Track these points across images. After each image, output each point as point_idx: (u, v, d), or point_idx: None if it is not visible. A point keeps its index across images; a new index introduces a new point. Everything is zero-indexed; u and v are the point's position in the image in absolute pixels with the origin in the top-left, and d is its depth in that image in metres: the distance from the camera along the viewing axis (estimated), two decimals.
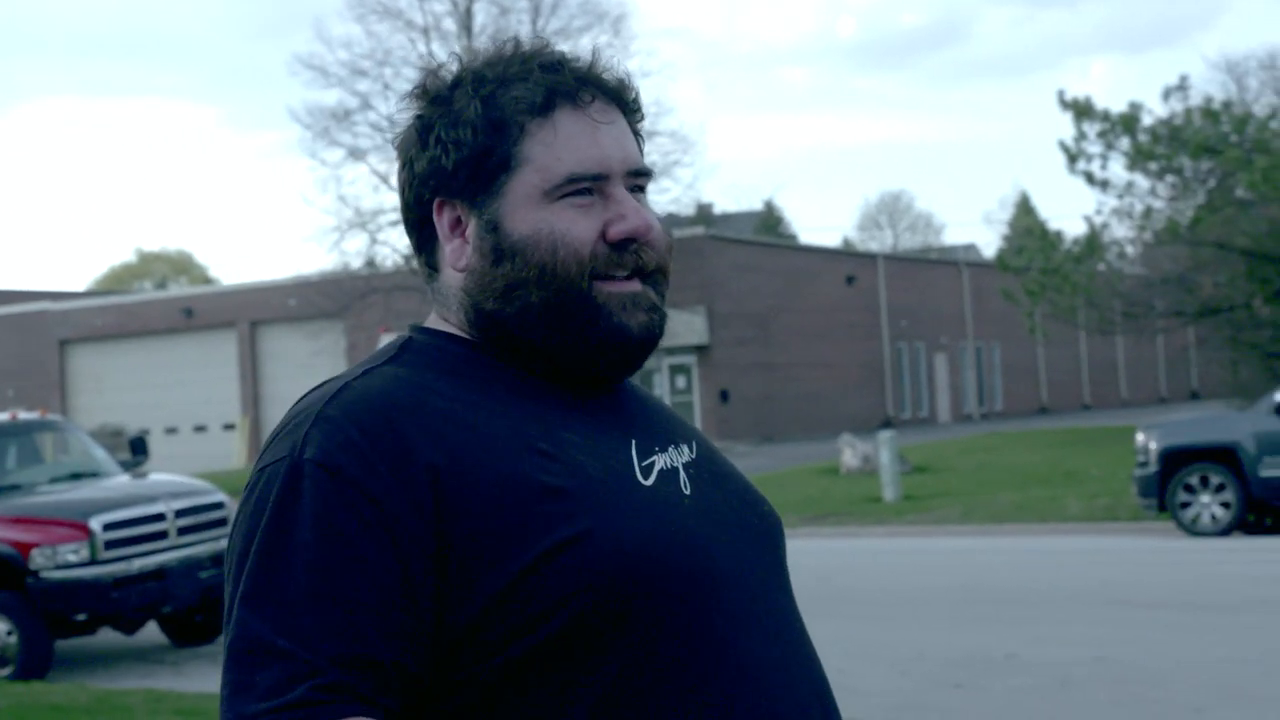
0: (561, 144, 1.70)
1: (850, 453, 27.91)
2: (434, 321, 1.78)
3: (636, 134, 1.80)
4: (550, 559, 1.55)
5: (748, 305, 41.28)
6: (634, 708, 1.57)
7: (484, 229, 1.70)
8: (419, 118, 1.74)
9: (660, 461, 1.72)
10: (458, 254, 1.73)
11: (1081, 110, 30.84)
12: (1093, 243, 31.86)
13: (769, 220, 72.86)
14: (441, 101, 1.72)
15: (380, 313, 35.47)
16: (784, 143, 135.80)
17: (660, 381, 40.58)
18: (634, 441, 1.72)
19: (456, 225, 1.73)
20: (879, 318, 48.29)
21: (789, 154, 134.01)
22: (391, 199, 35.49)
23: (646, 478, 1.69)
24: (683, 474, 1.74)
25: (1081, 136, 30.94)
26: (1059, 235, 32.97)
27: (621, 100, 1.77)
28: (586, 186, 1.70)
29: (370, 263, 36.04)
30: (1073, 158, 31.12)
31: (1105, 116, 30.65)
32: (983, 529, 18.73)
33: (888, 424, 42.15)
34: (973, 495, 22.15)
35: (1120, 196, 31.54)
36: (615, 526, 1.59)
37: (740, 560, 1.71)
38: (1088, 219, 32.18)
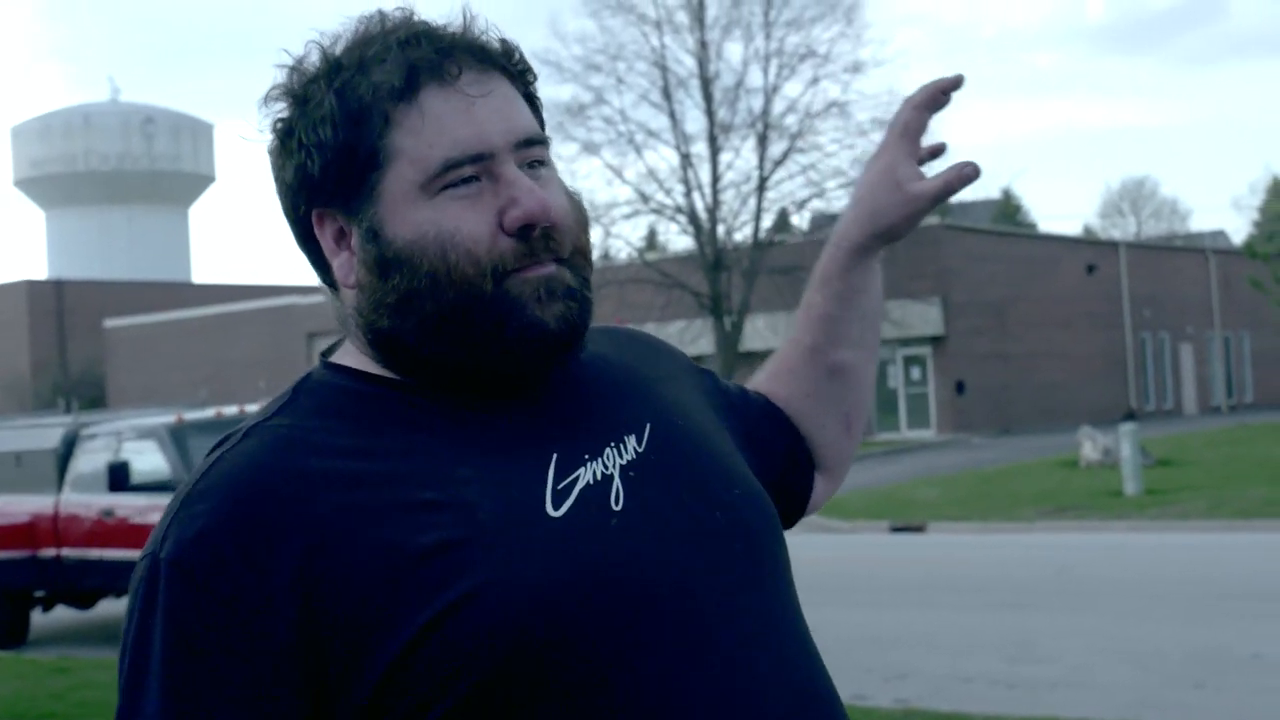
0: (432, 127, 1.47)
1: (1090, 445, 27.29)
2: (342, 349, 1.59)
3: (532, 98, 1.57)
4: (433, 630, 1.37)
5: (984, 295, 40.65)
6: None
7: (365, 238, 1.49)
8: (280, 121, 1.52)
9: (586, 475, 1.49)
10: (346, 269, 1.52)
11: None
12: None
13: (1007, 208, 71.64)
14: (301, 100, 1.50)
15: (614, 305, 35.83)
16: (1025, 129, 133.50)
17: (895, 373, 40.22)
18: (556, 456, 1.50)
19: (341, 237, 1.53)
20: (1121, 307, 47.12)
21: (1029, 140, 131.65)
22: (625, 192, 35.91)
23: (559, 506, 1.46)
24: (617, 482, 1.50)
25: None
26: None
27: (502, 65, 1.54)
28: (470, 173, 1.47)
29: (604, 256, 36.43)
30: None
31: None
32: (1230, 524, 18.14)
33: (1130, 416, 41.11)
34: (1220, 489, 21.48)
35: None
36: (508, 581, 1.39)
37: (688, 578, 1.48)
38: None
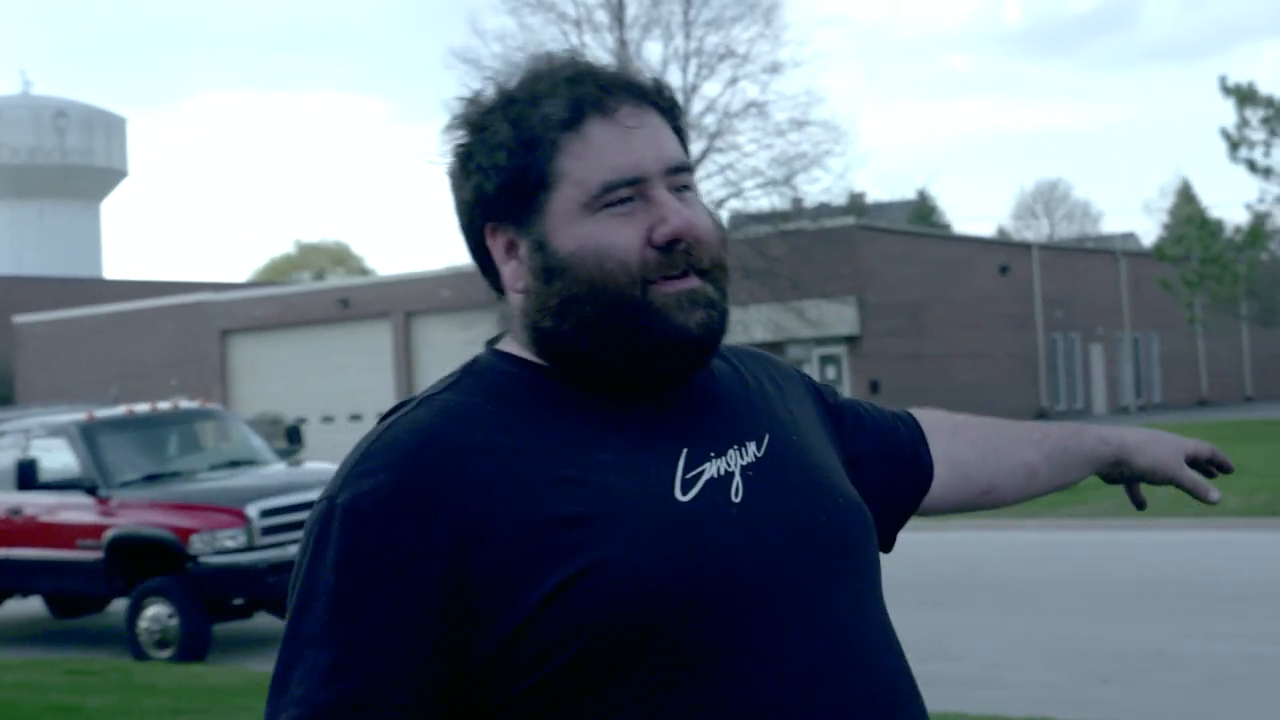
0: (594, 154, 1.69)
1: None
2: (505, 340, 1.80)
3: (680, 131, 1.79)
4: (565, 590, 1.57)
5: (899, 295, 40.97)
6: None
7: (532, 249, 1.71)
8: (460, 146, 1.75)
9: (711, 469, 1.70)
10: (515, 275, 1.74)
11: (1244, 96, 30.17)
12: (1255, 231, 31.18)
13: (922, 209, 72.22)
14: (479, 128, 1.73)
15: None
16: (941, 131, 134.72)
17: (810, 372, 40.32)
18: (685, 450, 1.70)
19: (511, 248, 1.74)
20: (1033, 308, 47.64)
21: (945, 142, 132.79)
22: None
23: (686, 492, 1.66)
24: (738, 478, 1.70)
25: (1244, 123, 30.30)
26: (1220, 224, 32.29)
27: (655, 100, 1.75)
28: (626, 195, 1.69)
29: None
30: (1234, 145, 30.47)
31: (1269, 103, 29.94)
32: (1137, 522, 18.36)
33: (1042, 415, 41.58)
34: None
35: None
36: (635, 553, 1.59)
37: (793, 568, 1.67)
38: (1250, 207, 31.48)
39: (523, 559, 1.58)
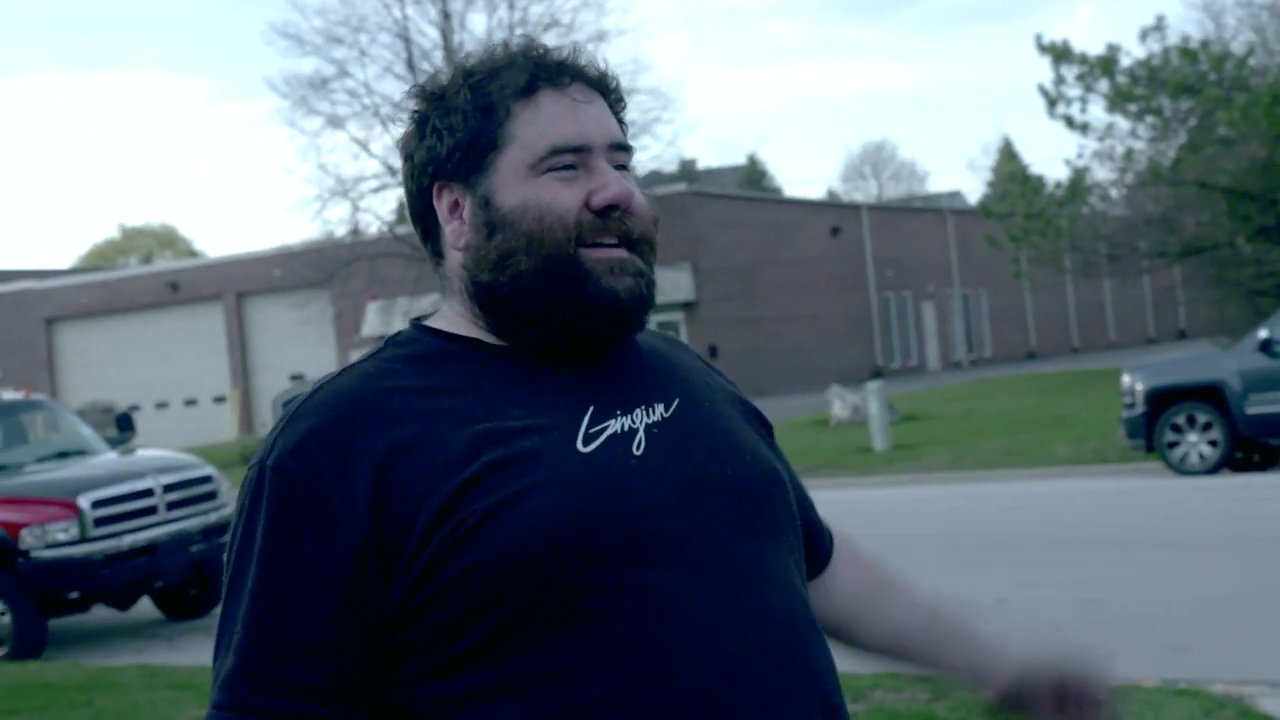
0: (544, 121, 1.82)
1: (839, 404, 27.95)
2: (437, 316, 1.91)
3: (620, 121, 1.92)
4: (467, 537, 1.67)
5: (733, 260, 41.29)
6: (565, 683, 1.67)
7: (478, 205, 1.83)
8: (416, 113, 1.88)
9: (615, 426, 1.79)
10: (457, 234, 1.86)
11: (1059, 54, 30.74)
12: (1075, 186, 31.82)
13: (752, 174, 72.77)
14: (436, 97, 1.87)
15: (365, 280, 35.41)
16: (768, 96, 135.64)
17: None
18: (592, 408, 1.79)
19: (455, 208, 1.86)
20: (865, 268, 48.31)
21: (773, 107, 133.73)
22: (372, 165, 35.41)
23: (588, 445, 1.76)
24: (640, 434, 1.79)
25: (1060, 80, 30.86)
26: (1041, 180, 32.93)
27: (602, 88, 1.89)
28: (570, 161, 1.81)
29: (353, 230, 35.91)
30: (1052, 102, 31.05)
31: (1083, 59, 30.56)
32: (972, 475, 18.78)
33: (877, 374, 42.20)
34: (961, 442, 22.21)
35: (1101, 139, 31.49)
36: (532, 501, 1.68)
37: (695, 520, 1.75)
38: (1069, 162, 32.15)
39: (434, 511, 1.68)
